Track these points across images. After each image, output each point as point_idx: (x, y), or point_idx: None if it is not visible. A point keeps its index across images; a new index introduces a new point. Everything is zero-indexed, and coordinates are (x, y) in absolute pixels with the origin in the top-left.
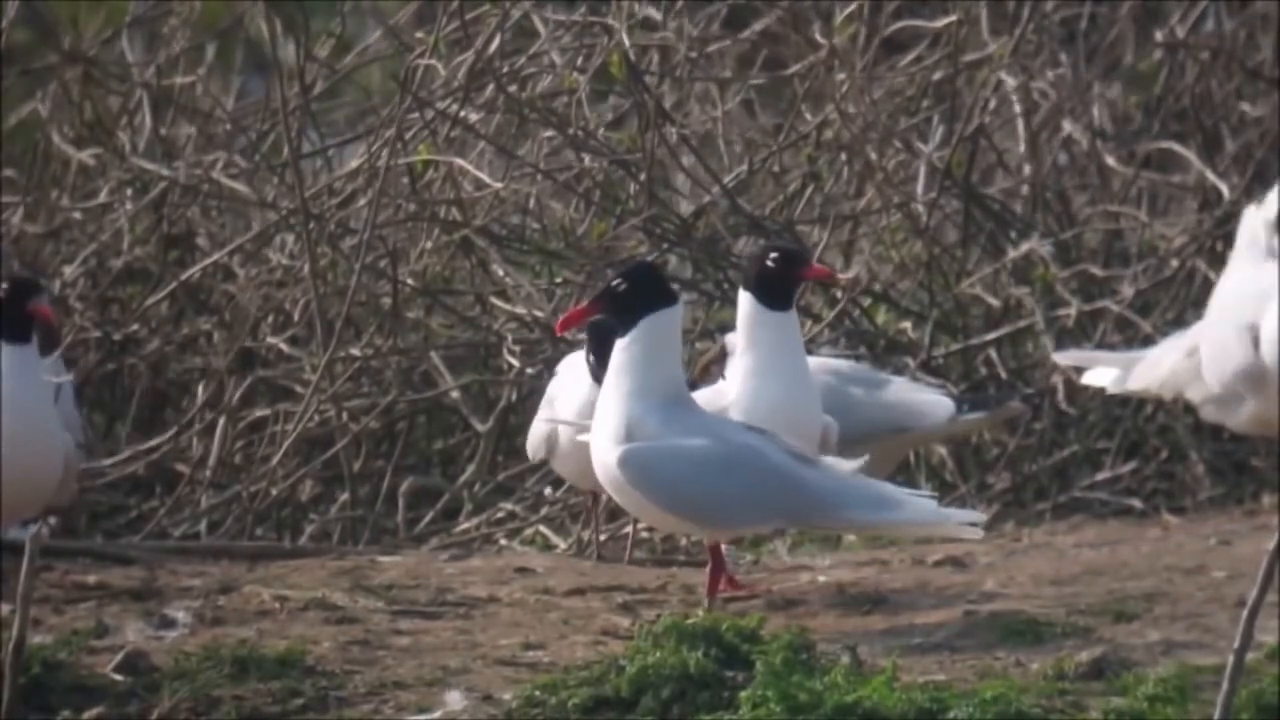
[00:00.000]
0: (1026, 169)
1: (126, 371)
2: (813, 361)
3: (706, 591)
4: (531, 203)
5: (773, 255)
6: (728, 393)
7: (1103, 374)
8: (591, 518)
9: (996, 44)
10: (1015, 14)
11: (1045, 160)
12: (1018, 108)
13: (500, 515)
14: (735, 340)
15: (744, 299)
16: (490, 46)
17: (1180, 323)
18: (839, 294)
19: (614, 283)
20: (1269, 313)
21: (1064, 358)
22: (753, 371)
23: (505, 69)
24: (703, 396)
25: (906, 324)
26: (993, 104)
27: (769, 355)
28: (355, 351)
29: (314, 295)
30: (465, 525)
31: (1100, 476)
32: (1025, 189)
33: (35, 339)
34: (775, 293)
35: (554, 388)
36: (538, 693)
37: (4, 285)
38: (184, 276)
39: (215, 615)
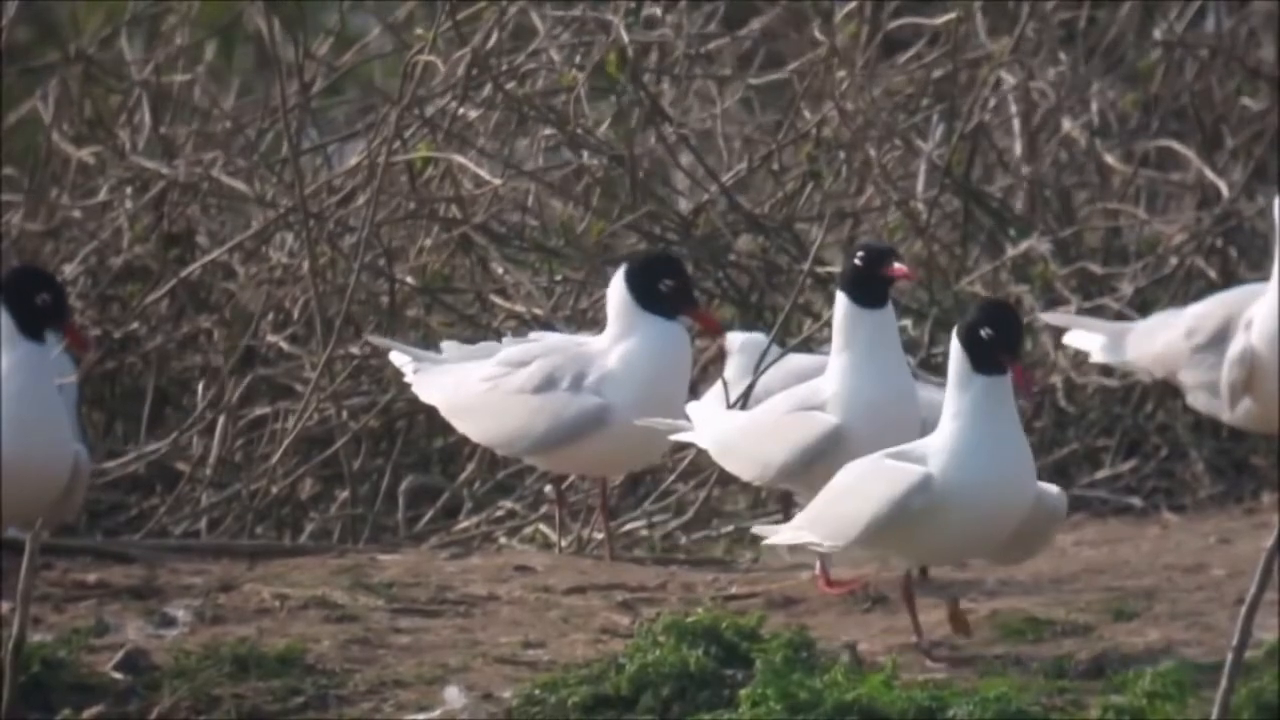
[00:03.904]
0: (1025, 168)
1: (126, 370)
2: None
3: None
4: (530, 200)
5: (859, 254)
6: (823, 390)
7: (1088, 339)
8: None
9: (996, 42)
10: (1015, 12)
11: (1044, 158)
12: (1015, 106)
13: (500, 513)
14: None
15: (839, 299)
16: (487, 43)
17: None
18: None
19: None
20: (1262, 301)
21: (1050, 318)
22: (850, 369)
23: (503, 66)
24: (797, 395)
25: (906, 322)
26: (992, 102)
27: (866, 352)
28: (355, 350)
29: (313, 293)
30: (465, 523)
31: (1100, 475)
32: (1024, 187)
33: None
34: (866, 290)
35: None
36: (538, 691)
37: (32, 289)
38: (184, 274)
39: (215, 613)
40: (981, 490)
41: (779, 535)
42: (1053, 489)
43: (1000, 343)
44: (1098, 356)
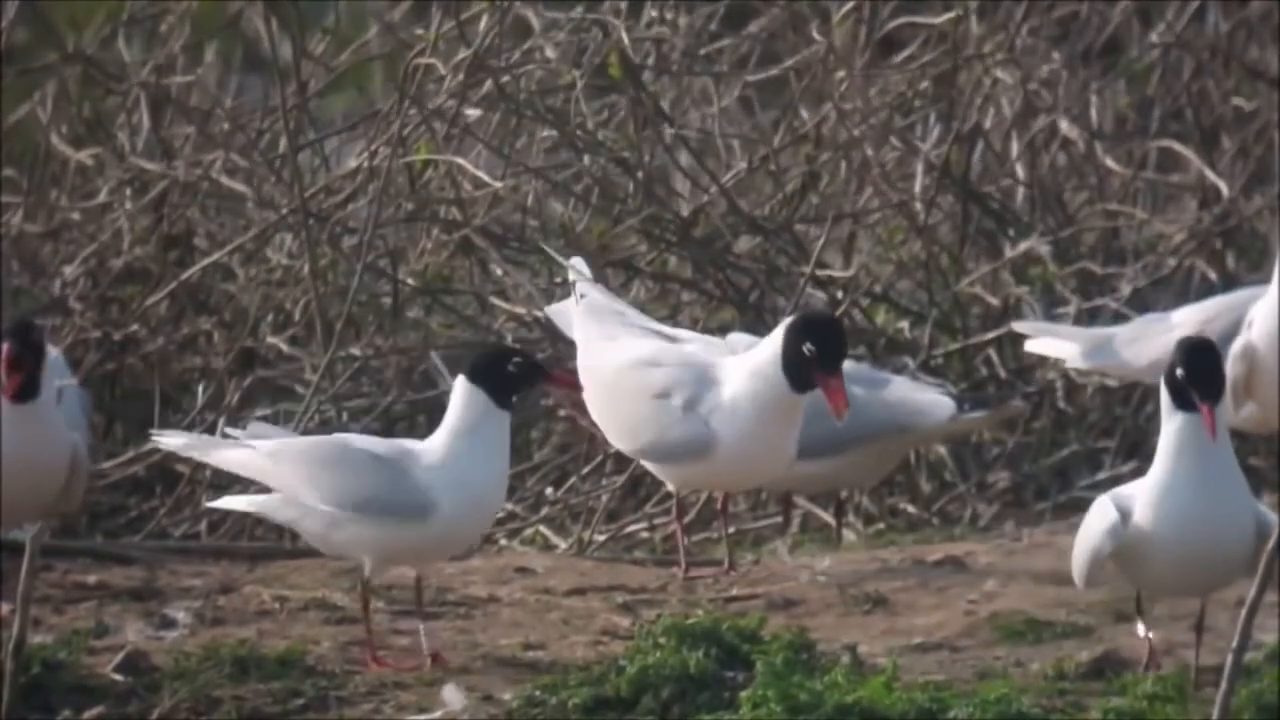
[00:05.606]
0: (1020, 169)
1: (126, 371)
2: None
3: None
4: (530, 201)
5: (1179, 369)
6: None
7: (1060, 346)
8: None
9: (993, 41)
10: (1011, 12)
11: (1043, 158)
12: (1010, 106)
13: (500, 515)
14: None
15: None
16: (486, 42)
17: None
18: (840, 293)
19: None
20: (1262, 301)
21: (1022, 327)
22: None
23: (502, 65)
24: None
25: (905, 323)
26: (991, 102)
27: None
28: (355, 351)
29: (314, 295)
30: None
31: (1101, 476)
32: (1023, 188)
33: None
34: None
35: None
36: (538, 693)
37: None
38: (184, 276)
39: (215, 615)
40: (1176, 530)
41: None
42: (1270, 514)
43: (1191, 381)
44: (1075, 363)
